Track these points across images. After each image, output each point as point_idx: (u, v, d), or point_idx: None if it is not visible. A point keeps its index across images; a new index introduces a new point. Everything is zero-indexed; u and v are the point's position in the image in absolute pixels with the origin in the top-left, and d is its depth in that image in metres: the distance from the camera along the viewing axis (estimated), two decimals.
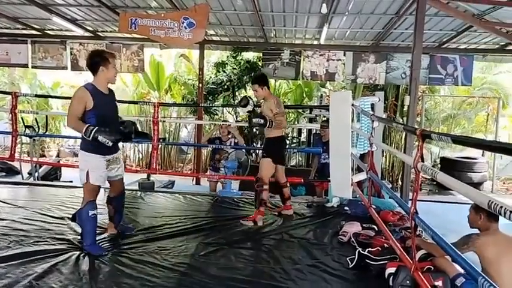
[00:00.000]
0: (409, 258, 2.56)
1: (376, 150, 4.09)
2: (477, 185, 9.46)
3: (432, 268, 2.67)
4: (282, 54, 8.93)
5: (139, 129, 7.90)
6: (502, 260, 2.48)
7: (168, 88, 11.39)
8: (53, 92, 13.24)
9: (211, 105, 9.89)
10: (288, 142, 10.12)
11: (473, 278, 1.84)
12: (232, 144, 6.22)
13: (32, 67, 9.78)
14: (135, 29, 6.44)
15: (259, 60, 9.51)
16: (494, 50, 8.88)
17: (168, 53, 11.60)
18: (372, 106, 4.97)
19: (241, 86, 10.08)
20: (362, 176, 4.25)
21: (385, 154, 9.79)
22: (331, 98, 5.01)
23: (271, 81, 10.72)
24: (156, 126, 5.84)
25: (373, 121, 3.75)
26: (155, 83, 10.96)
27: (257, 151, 9.54)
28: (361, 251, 3.10)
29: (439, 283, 2.49)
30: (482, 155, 10.43)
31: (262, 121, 4.23)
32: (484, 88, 11.95)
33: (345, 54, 8.86)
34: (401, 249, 2.74)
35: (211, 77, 10.27)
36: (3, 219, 3.96)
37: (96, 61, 3.22)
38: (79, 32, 9.05)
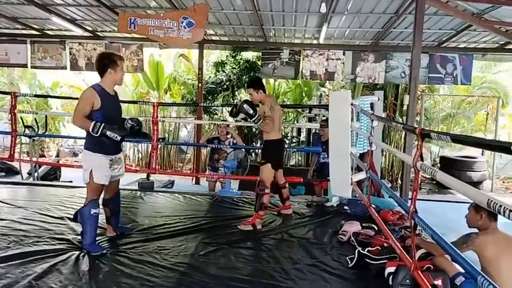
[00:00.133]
0: (408, 258, 2.56)
1: (375, 150, 4.09)
2: (477, 184, 9.47)
3: (432, 267, 2.67)
4: (281, 53, 8.92)
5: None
6: (502, 259, 2.48)
7: (168, 88, 11.39)
8: (53, 92, 13.23)
9: (210, 105, 9.88)
10: (287, 142, 10.15)
11: (472, 277, 1.84)
12: (231, 143, 6.22)
13: (31, 67, 9.76)
14: (135, 28, 6.43)
15: (259, 60, 9.51)
16: (493, 49, 8.89)
17: (167, 53, 11.60)
18: (372, 105, 4.96)
19: (240, 86, 10.08)
20: (361, 176, 4.25)
21: (384, 153, 9.78)
22: (331, 97, 5.01)
23: (271, 81, 10.74)
24: (155, 126, 5.84)
25: (372, 120, 3.75)
26: (154, 82, 10.96)
27: (256, 151, 9.54)
28: (361, 251, 3.10)
29: (438, 282, 2.49)
30: (482, 154, 10.44)
31: (251, 111, 4.16)
32: (484, 87, 11.96)
33: (344, 54, 8.85)
34: (401, 249, 2.74)
35: (210, 77, 10.28)
36: (2, 219, 3.96)
37: (105, 63, 3.30)
38: (78, 32, 9.05)
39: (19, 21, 8.70)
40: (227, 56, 10.17)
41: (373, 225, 3.81)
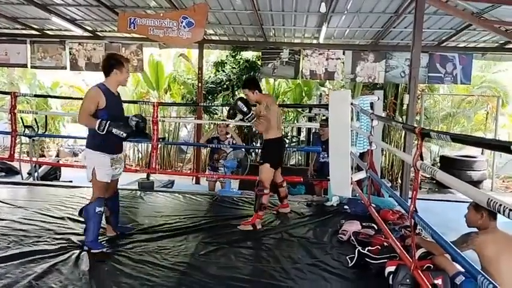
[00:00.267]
0: (408, 257, 2.56)
1: (375, 149, 4.09)
2: (477, 184, 9.47)
3: (432, 266, 2.67)
4: (281, 53, 8.92)
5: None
6: (502, 258, 2.49)
7: (168, 88, 11.39)
8: (52, 92, 13.22)
9: (210, 104, 9.88)
10: (287, 141, 10.15)
11: (472, 276, 1.84)
12: (231, 143, 6.21)
13: (31, 67, 9.76)
14: (134, 28, 6.43)
15: (259, 60, 9.51)
16: (493, 48, 8.89)
17: (167, 53, 11.60)
18: (371, 105, 4.95)
19: (240, 86, 10.05)
20: (361, 175, 4.25)
21: (384, 153, 9.78)
22: (331, 97, 5.00)
23: (271, 81, 10.74)
24: (155, 126, 5.83)
25: (372, 120, 3.75)
26: (154, 82, 10.95)
27: (256, 150, 9.54)
28: (361, 250, 3.10)
29: (438, 281, 2.50)
30: (482, 154, 10.44)
31: (245, 109, 4.13)
32: (483, 86, 11.96)
33: (344, 53, 8.85)
34: (401, 248, 2.74)
35: (210, 77, 10.28)
36: (3, 219, 3.96)
37: (112, 64, 3.38)
38: (78, 31, 9.04)
39: (19, 21, 8.70)
40: (227, 55, 10.17)
41: (373, 225, 3.81)
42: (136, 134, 3.81)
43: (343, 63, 8.86)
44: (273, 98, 4.82)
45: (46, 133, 8.31)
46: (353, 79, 8.99)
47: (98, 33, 9.39)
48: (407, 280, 2.56)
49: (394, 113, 10.11)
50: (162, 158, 11.11)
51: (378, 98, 5.34)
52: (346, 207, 4.80)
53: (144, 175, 6.39)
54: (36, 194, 5.32)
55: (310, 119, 8.98)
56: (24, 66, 9.69)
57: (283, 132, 4.61)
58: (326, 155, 5.48)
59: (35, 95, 10.59)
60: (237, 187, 7.18)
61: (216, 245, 3.52)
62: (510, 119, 13.09)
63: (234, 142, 6.27)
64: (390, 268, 2.72)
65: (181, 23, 6.30)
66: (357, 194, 4.44)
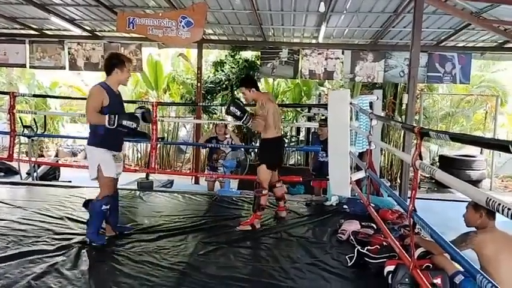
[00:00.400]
0: (408, 256, 2.56)
1: (374, 149, 4.10)
2: (476, 183, 9.47)
3: (431, 266, 2.67)
4: (280, 53, 8.92)
5: (138, 129, 7.89)
6: (501, 257, 2.49)
7: (167, 87, 11.38)
8: (51, 92, 13.21)
9: (209, 104, 9.88)
10: (286, 141, 10.14)
11: (471, 276, 1.84)
12: (230, 143, 6.21)
13: (30, 67, 9.75)
14: (133, 28, 6.42)
15: (258, 59, 9.51)
16: (492, 48, 8.90)
17: (166, 52, 11.59)
18: (371, 104, 4.96)
19: (239, 85, 10.06)
20: (361, 175, 4.26)
21: (383, 152, 9.80)
22: (330, 96, 5.01)
23: (270, 80, 10.74)
24: (154, 126, 5.83)
25: (371, 119, 3.75)
26: (153, 82, 10.95)
27: (256, 150, 9.54)
28: (360, 249, 3.10)
29: (437, 281, 2.50)
30: (481, 153, 10.46)
31: (238, 113, 4.02)
32: (482, 86, 11.97)
33: (343, 53, 8.85)
34: (400, 247, 2.74)
35: (209, 76, 10.28)
36: (1, 220, 3.95)
37: (114, 63, 3.43)
38: (77, 31, 9.04)
39: (18, 21, 8.69)
40: (226, 55, 10.17)
41: (372, 224, 3.81)
42: (136, 134, 3.83)
43: (342, 62, 8.86)
44: (270, 95, 4.63)
45: (45, 133, 8.32)
46: (352, 79, 8.99)
47: (96, 33, 9.39)
48: (407, 279, 2.56)
49: (393, 113, 10.12)
50: (161, 157, 11.11)
51: (377, 98, 5.34)
52: (345, 206, 4.80)
53: (143, 175, 6.39)
54: (35, 194, 5.31)
55: (309, 119, 8.99)
56: (23, 66, 9.68)
57: (282, 132, 4.49)
58: (325, 155, 5.48)
59: (34, 95, 10.57)
60: (236, 187, 7.18)
61: (215, 244, 3.52)
62: (509, 118, 13.11)
63: (233, 142, 6.26)
64: (389, 267, 2.72)
65: (180, 22, 6.29)
66: (356, 194, 4.44)
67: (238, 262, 3.17)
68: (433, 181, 9.82)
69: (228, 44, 9.74)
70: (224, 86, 10.03)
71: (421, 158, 2.33)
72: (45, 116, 8.30)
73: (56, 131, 13.06)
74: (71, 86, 13.72)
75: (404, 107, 7.48)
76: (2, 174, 7.70)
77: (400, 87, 9.91)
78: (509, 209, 1.37)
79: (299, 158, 10.66)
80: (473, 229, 2.72)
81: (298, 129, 10.48)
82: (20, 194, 5.27)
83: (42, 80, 13.83)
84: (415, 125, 4.12)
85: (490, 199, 1.51)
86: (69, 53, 9.37)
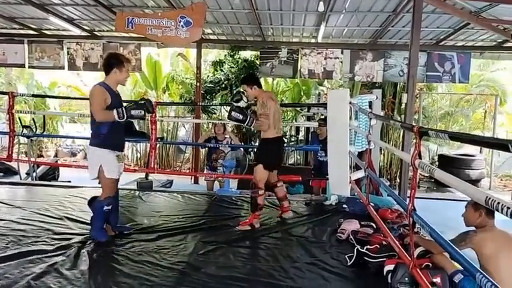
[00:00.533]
0: (407, 256, 2.57)
1: (374, 148, 4.10)
2: (475, 182, 9.48)
3: (430, 265, 2.67)
4: (279, 52, 8.92)
5: (138, 129, 7.91)
6: (500, 256, 2.49)
7: (166, 87, 11.37)
8: (50, 92, 13.18)
9: (209, 104, 9.88)
10: (285, 140, 10.14)
11: (471, 275, 1.84)
12: (229, 143, 6.20)
13: (29, 67, 9.75)
14: (132, 28, 6.42)
15: (257, 59, 9.51)
16: (491, 47, 8.91)
17: (165, 52, 11.58)
18: (370, 104, 4.96)
19: (239, 85, 10.04)
20: (360, 174, 4.26)
21: (383, 152, 9.81)
22: (329, 96, 5.01)
23: (269, 80, 10.73)
24: (154, 126, 5.82)
25: (370, 119, 3.75)
26: (152, 82, 10.94)
27: (255, 149, 9.53)
28: (360, 249, 3.10)
29: (437, 280, 2.50)
30: (480, 152, 10.46)
31: (240, 117, 4.04)
32: (482, 85, 11.98)
33: (342, 52, 8.86)
34: (400, 247, 2.75)
35: (208, 76, 10.28)
36: (1, 220, 3.95)
37: (112, 62, 3.44)
38: (76, 31, 9.03)
39: (16, 21, 8.68)
40: (225, 55, 10.16)
41: (371, 224, 3.81)
42: (135, 134, 3.85)
43: (341, 62, 8.86)
44: (272, 95, 4.51)
45: (44, 133, 8.30)
46: (351, 78, 9.00)
47: (95, 33, 9.38)
48: (406, 279, 2.56)
49: (393, 112, 10.13)
50: (160, 157, 11.11)
51: (377, 97, 5.35)
52: (344, 206, 4.80)
53: (143, 175, 6.39)
54: (34, 194, 5.30)
55: (308, 118, 8.98)
56: (22, 66, 9.68)
57: (282, 132, 4.41)
58: (324, 154, 5.48)
59: (33, 95, 10.57)
60: (235, 187, 7.18)
61: (214, 244, 3.51)
62: (508, 117, 13.11)
63: (232, 142, 6.26)
64: (389, 267, 2.72)
65: (179, 22, 6.29)
66: (356, 193, 4.44)
67: (237, 262, 3.17)
68: (433, 180, 9.83)
69: (227, 44, 9.74)
70: (223, 85, 10.03)
71: (420, 157, 2.33)
72: (44, 116, 8.25)
73: (55, 131, 13.04)
74: (70, 86, 13.70)
75: (403, 106, 7.48)
76: (1, 174, 7.69)
77: (400, 87, 9.92)
78: (508, 207, 1.38)
79: (298, 157, 10.66)
80: (473, 228, 2.72)
81: (297, 129, 10.48)
82: (20, 194, 5.26)
83: (41, 80, 13.81)
84: (414, 124, 4.13)
85: (490, 198, 1.51)
86: (68, 53, 9.37)
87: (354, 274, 3.00)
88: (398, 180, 8.51)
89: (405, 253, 2.62)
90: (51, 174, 7.44)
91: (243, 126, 4.23)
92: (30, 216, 4.12)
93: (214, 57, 11.06)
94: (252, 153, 9.32)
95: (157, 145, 6.78)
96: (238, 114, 4.06)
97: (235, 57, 9.90)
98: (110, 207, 3.44)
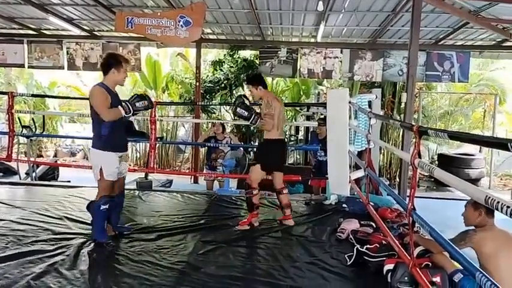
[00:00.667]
0: (407, 255, 2.57)
1: (373, 148, 4.11)
2: (474, 182, 9.49)
3: (430, 264, 2.68)
4: (279, 52, 8.92)
5: (137, 129, 7.91)
6: (500, 255, 2.49)
7: (165, 87, 11.37)
8: (50, 91, 13.18)
9: (208, 103, 9.87)
10: (285, 140, 10.13)
11: (471, 274, 1.84)
12: (229, 142, 6.20)
13: (29, 67, 9.74)
14: (132, 28, 6.42)
15: (256, 59, 9.51)
16: (490, 46, 8.91)
17: (164, 52, 11.58)
18: (369, 103, 4.97)
19: (238, 85, 10.07)
20: (360, 173, 4.26)
21: (382, 151, 9.81)
22: (329, 95, 5.01)
23: (268, 79, 10.73)
24: (153, 125, 5.83)
25: (370, 118, 3.76)
26: (152, 81, 10.94)
27: (255, 149, 9.54)
28: (360, 248, 3.10)
29: (437, 279, 2.50)
30: (480, 152, 10.47)
31: (246, 113, 4.04)
32: (481, 85, 11.99)
33: (341, 52, 8.85)
34: (400, 246, 2.75)
35: (208, 76, 10.27)
36: (1, 220, 3.95)
37: (111, 63, 3.44)
38: (75, 31, 9.02)
39: (16, 21, 8.68)
40: (225, 54, 10.15)
41: (371, 223, 3.82)
42: (135, 134, 3.85)
43: (340, 61, 8.86)
44: (274, 95, 4.61)
45: (44, 133, 8.29)
46: (351, 78, 9.00)
47: (95, 32, 9.37)
48: (406, 278, 2.56)
49: (392, 112, 10.13)
50: (160, 157, 11.11)
51: (376, 97, 5.36)
52: (344, 205, 4.81)
53: (143, 174, 6.39)
54: (34, 194, 5.30)
55: (308, 118, 8.98)
56: (22, 66, 9.67)
57: (281, 136, 4.34)
58: (323, 154, 5.48)
59: (33, 95, 10.57)
60: (235, 186, 7.18)
61: (214, 244, 3.52)
62: (508, 116, 13.12)
63: (232, 142, 6.26)
64: (389, 266, 2.73)
65: (179, 22, 6.28)
66: (355, 193, 4.45)
67: (237, 261, 3.17)
68: (432, 180, 9.83)
69: (227, 44, 9.74)
70: (223, 85, 10.02)
71: (420, 157, 2.33)
72: (43, 116, 8.25)
73: (54, 131, 13.03)
74: (70, 85, 13.69)
75: (403, 105, 7.48)
76: (1, 174, 7.70)
77: (399, 86, 9.92)
78: (508, 207, 1.38)
79: (298, 157, 10.66)
80: (472, 227, 2.72)
81: (297, 128, 10.47)
82: (19, 194, 5.26)
83: (41, 80, 13.79)
84: (413, 123, 4.13)
85: (489, 197, 1.51)
86: (67, 53, 9.36)
87: (353, 273, 3.00)
88: (397, 179, 8.51)
89: (405, 252, 2.63)
90: (50, 174, 7.44)
91: (247, 123, 4.20)
92: (30, 216, 4.12)
93: (213, 57, 11.06)
94: (251, 153, 9.34)
95: (157, 145, 6.78)
96: (244, 111, 4.06)
97: (234, 57, 9.89)
98: (106, 206, 3.41)
